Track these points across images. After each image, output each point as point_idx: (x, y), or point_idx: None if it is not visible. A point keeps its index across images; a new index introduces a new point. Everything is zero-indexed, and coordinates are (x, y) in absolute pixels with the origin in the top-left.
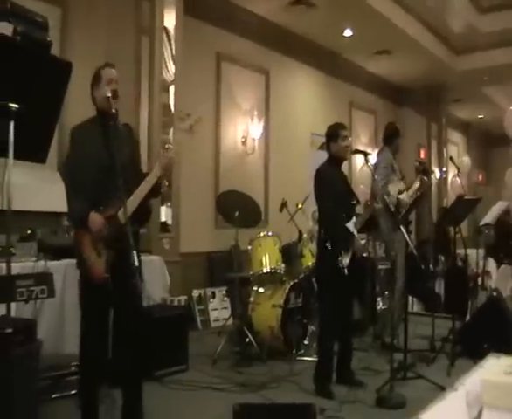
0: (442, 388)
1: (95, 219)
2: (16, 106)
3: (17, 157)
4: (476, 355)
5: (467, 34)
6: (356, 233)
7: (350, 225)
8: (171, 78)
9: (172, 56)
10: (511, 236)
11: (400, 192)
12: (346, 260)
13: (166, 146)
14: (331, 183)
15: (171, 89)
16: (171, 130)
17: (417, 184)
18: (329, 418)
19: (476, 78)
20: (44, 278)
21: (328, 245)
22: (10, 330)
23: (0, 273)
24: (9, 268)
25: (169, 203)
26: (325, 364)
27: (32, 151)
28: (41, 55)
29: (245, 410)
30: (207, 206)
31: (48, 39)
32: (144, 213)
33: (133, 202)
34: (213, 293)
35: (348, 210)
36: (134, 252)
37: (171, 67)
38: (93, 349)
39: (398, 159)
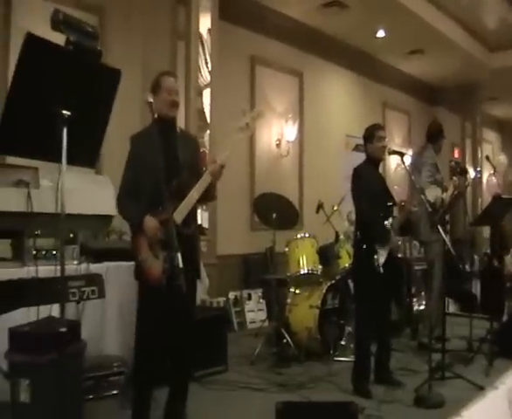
0: (481, 388)
1: (150, 224)
2: (68, 113)
3: (68, 162)
4: None
5: (500, 30)
6: (392, 232)
7: (387, 224)
8: (206, 83)
9: (206, 60)
10: None
11: (437, 198)
12: (382, 259)
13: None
14: (368, 182)
15: (206, 93)
16: (207, 133)
17: (451, 188)
18: (369, 417)
19: (511, 75)
20: (95, 280)
21: (364, 244)
22: (63, 329)
23: (48, 276)
24: (63, 269)
25: (204, 207)
26: (362, 364)
27: (83, 156)
28: (92, 63)
29: (288, 408)
30: (243, 208)
31: (98, 48)
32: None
33: (185, 206)
34: (249, 295)
35: (384, 210)
36: (179, 254)
37: (206, 72)
38: (149, 353)
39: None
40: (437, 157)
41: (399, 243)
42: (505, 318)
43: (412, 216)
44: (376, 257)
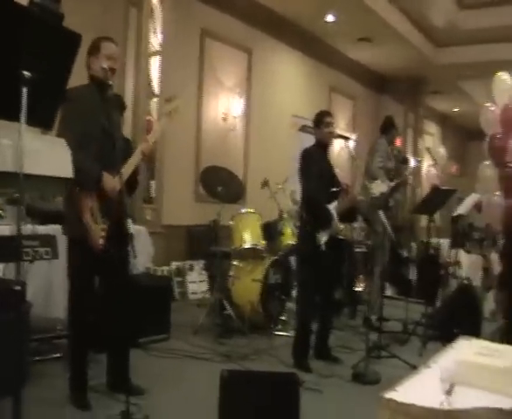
0: (414, 367)
1: (110, 182)
2: (28, 73)
3: (27, 122)
4: (446, 339)
5: (447, 29)
6: (335, 216)
7: (330, 207)
8: (156, 50)
9: (155, 29)
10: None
11: (382, 194)
12: (324, 238)
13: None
14: (316, 165)
15: (154, 61)
16: (154, 101)
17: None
18: (308, 390)
19: (454, 72)
20: (49, 240)
21: (308, 225)
22: (9, 289)
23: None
24: (19, 229)
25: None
26: (303, 339)
27: (41, 118)
28: (54, 26)
29: (233, 376)
30: (189, 180)
31: (61, 11)
32: (134, 183)
33: (125, 172)
34: (191, 266)
35: (330, 194)
36: (130, 220)
37: (155, 41)
38: (82, 313)
39: None
40: (389, 148)
41: (342, 227)
42: (438, 303)
43: (358, 204)
44: (318, 236)
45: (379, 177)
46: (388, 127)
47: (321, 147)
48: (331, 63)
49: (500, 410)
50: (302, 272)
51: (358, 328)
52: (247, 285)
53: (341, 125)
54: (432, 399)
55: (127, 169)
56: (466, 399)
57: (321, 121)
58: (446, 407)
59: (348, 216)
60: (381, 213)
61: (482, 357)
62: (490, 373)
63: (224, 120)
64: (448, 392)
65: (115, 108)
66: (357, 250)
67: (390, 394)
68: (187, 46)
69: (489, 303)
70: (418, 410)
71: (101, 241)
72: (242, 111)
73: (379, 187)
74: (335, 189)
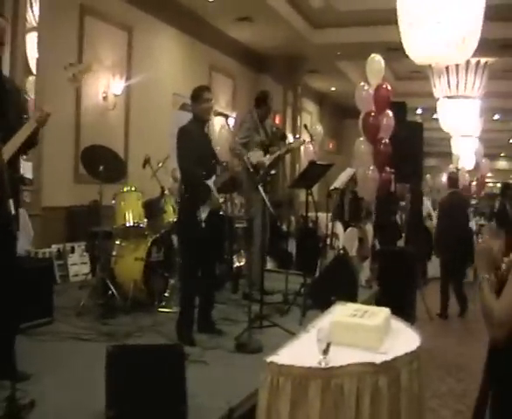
0: (294, 335)
1: None
2: None
3: None
4: (325, 306)
5: (324, 10)
6: (214, 190)
7: (209, 182)
8: (33, 26)
9: (32, 3)
10: (359, 203)
11: (260, 163)
12: (204, 215)
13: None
14: (193, 142)
15: (30, 38)
16: (31, 79)
17: (278, 152)
18: (193, 362)
19: (331, 52)
20: None
21: (188, 201)
22: None
23: None
24: None
25: (24, 157)
26: (187, 314)
27: None
28: None
29: (119, 352)
30: (68, 160)
31: None
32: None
33: (9, 149)
34: (73, 248)
35: (208, 169)
36: (11, 200)
37: (32, 16)
38: None
39: None
40: (262, 123)
41: (222, 200)
42: (317, 274)
43: (237, 174)
44: (198, 212)
45: (240, 151)
46: (260, 102)
47: (199, 122)
48: (211, 42)
49: (372, 364)
50: (184, 248)
51: (240, 301)
52: (130, 263)
53: (221, 103)
54: (311, 359)
55: (12, 145)
56: (341, 356)
57: (199, 96)
58: (323, 365)
59: (228, 187)
60: (260, 188)
61: (355, 318)
62: (362, 331)
63: (105, 98)
64: (325, 351)
65: (7, 84)
66: (237, 225)
67: (271, 358)
68: (65, 22)
69: (365, 271)
70: (297, 370)
71: None
72: (122, 89)
73: (257, 154)
74: (213, 162)
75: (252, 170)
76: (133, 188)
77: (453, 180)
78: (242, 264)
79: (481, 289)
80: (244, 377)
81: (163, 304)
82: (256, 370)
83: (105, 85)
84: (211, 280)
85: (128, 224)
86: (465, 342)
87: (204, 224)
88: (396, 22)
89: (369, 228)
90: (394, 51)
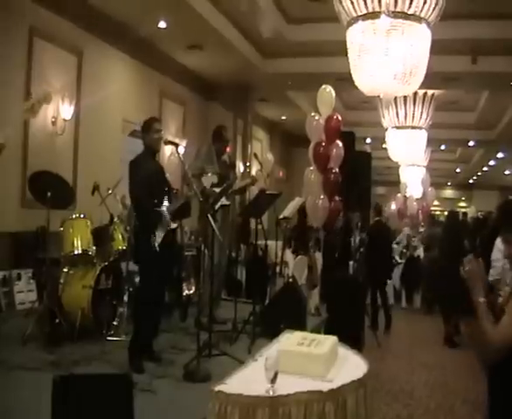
0: (243, 363)
1: None
2: None
3: None
4: (274, 334)
5: (275, 40)
6: (167, 215)
7: (162, 209)
8: None
9: None
10: (306, 232)
11: (213, 185)
12: (158, 239)
13: None
14: (145, 173)
15: None
16: None
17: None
18: (141, 391)
19: (281, 81)
20: None
21: (143, 229)
22: None
23: None
24: None
25: None
26: (139, 341)
27: None
28: None
29: (65, 381)
30: (15, 185)
31: None
32: None
33: None
34: (19, 275)
35: (160, 197)
36: None
37: None
38: None
39: None
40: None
41: (174, 226)
42: (267, 302)
43: (190, 200)
44: (153, 237)
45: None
46: (216, 137)
47: (150, 152)
48: (162, 69)
49: (319, 392)
50: (140, 275)
51: (189, 329)
52: (78, 291)
53: (171, 130)
54: (259, 388)
55: None
56: (289, 385)
57: (150, 127)
58: (271, 394)
59: (181, 213)
60: (209, 217)
61: (302, 346)
62: (309, 360)
63: (54, 123)
64: (273, 380)
65: None
66: (187, 253)
67: (219, 387)
68: (13, 44)
69: (314, 299)
70: (245, 399)
71: None
72: (72, 114)
73: (210, 178)
74: (165, 190)
75: (201, 199)
76: (81, 215)
77: (378, 210)
78: (191, 292)
79: (479, 315)
80: (192, 406)
81: (112, 332)
82: (204, 399)
83: (54, 110)
84: (160, 307)
85: (76, 252)
86: (413, 367)
87: (158, 248)
88: (345, 53)
89: (318, 256)
90: (344, 81)
